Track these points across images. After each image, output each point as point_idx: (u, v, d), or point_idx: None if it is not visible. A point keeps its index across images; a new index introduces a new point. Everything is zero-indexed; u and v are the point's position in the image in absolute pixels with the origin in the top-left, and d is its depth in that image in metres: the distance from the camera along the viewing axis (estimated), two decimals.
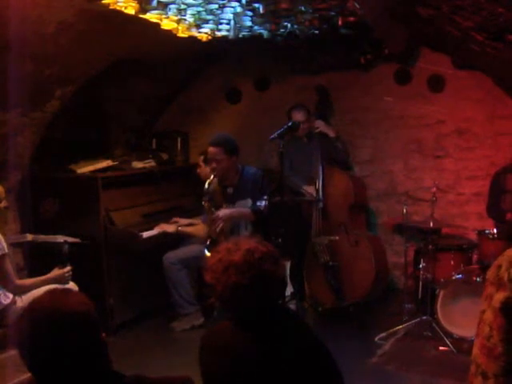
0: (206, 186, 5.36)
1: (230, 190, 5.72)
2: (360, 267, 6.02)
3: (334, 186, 6.24)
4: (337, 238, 6.08)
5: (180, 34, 5.61)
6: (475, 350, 1.86)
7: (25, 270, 5.80)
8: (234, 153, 5.57)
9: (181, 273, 5.91)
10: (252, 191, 5.65)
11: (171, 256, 5.96)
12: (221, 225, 5.38)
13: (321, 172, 6.20)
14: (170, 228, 6.09)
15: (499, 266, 1.85)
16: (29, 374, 2.00)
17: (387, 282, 6.59)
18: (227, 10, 5.17)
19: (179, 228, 6.04)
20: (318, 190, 6.16)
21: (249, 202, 5.66)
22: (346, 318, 5.91)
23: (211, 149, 5.54)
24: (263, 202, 5.64)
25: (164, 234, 6.08)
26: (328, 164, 6.32)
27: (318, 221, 6.17)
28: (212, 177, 5.40)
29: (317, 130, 6.33)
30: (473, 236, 5.90)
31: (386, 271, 6.51)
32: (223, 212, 5.47)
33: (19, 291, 4.46)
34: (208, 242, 5.36)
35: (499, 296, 1.80)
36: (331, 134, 6.36)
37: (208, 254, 5.30)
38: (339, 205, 6.20)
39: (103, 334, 2.04)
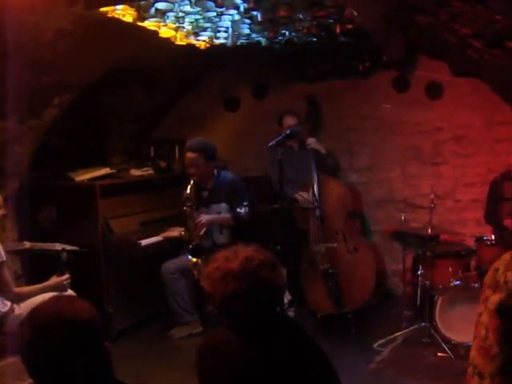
0: (188, 191, 5.40)
1: (204, 194, 5.81)
2: (360, 274, 6.00)
3: (330, 194, 6.23)
4: (335, 245, 6.07)
5: (178, 42, 5.64)
6: (473, 352, 1.89)
7: (23, 277, 5.79)
8: (212, 158, 5.63)
9: (179, 282, 5.90)
10: (227, 196, 5.72)
11: (169, 266, 5.94)
12: (203, 230, 5.42)
13: (316, 180, 6.20)
14: (173, 232, 6.09)
15: (496, 270, 1.88)
16: (28, 382, 1.99)
17: (385, 288, 6.59)
18: (225, 17, 5.20)
19: (182, 232, 6.03)
20: (314, 197, 6.15)
21: (223, 206, 5.75)
22: (344, 325, 5.90)
23: (190, 154, 5.59)
24: (243, 209, 5.70)
25: (162, 242, 6.08)
26: (323, 171, 6.32)
27: (316, 228, 6.15)
28: (192, 182, 5.43)
29: (309, 147, 6.35)
30: (471, 242, 5.89)
31: (384, 278, 6.51)
32: (206, 218, 5.53)
33: (17, 299, 4.44)
34: (190, 247, 5.38)
35: (495, 298, 1.83)
36: (322, 150, 6.39)
37: (192, 258, 5.33)
38: (336, 212, 6.19)
39: (106, 343, 2.04)
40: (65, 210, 5.86)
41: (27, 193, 5.89)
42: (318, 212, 6.14)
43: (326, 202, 6.20)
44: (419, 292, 5.70)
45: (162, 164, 7.15)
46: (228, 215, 5.74)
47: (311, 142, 6.38)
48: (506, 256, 1.89)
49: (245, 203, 5.77)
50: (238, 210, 5.74)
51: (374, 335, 5.64)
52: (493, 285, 1.86)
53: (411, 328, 5.54)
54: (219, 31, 5.60)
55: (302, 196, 6.20)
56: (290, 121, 6.39)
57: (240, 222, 5.73)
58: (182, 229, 6.03)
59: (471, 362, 1.88)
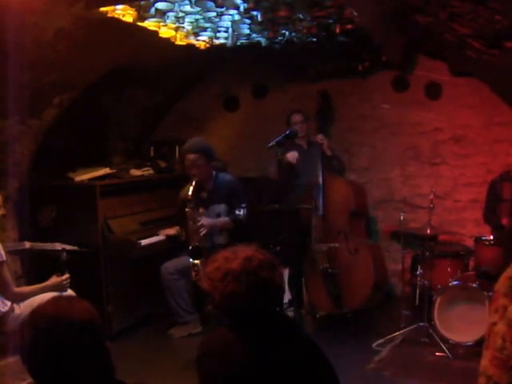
0: (190, 192, 5.36)
1: (204, 195, 5.78)
2: (359, 275, 5.99)
3: (334, 193, 6.21)
4: (336, 245, 6.05)
5: (178, 42, 5.64)
6: (485, 362, 1.84)
7: (23, 277, 5.79)
8: (211, 158, 5.63)
9: (179, 282, 5.88)
10: (227, 197, 5.72)
11: (169, 266, 5.92)
12: (204, 232, 5.41)
13: (321, 178, 6.19)
14: (171, 231, 6.07)
15: (510, 278, 1.84)
16: (28, 382, 2.00)
17: (386, 289, 6.58)
18: (225, 17, 5.20)
19: (178, 231, 6.01)
20: (317, 198, 6.15)
21: (222, 207, 5.73)
22: (343, 325, 5.91)
23: (191, 156, 5.57)
24: (242, 211, 5.70)
25: (162, 242, 6.07)
26: (328, 171, 6.31)
27: (318, 228, 6.15)
28: (194, 182, 5.41)
29: (319, 141, 6.32)
30: (470, 242, 5.89)
31: (385, 279, 6.49)
32: (207, 221, 5.50)
33: (17, 299, 4.44)
34: (190, 249, 5.36)
35: None
36: (328, 152, 6.36)
37: (194, 260, 5.30)
38: (339, 211, 6.16)
39: (106, 343, 2.04)
40: (65, 210, 5.86)
41: (27, 193, 5.89)
42: (320, 211, 6.14)
43: (330, 201, 6.18)
44: (418, 292, 5.71)
45: (162, 164, 7.15)
46: (227, 219, 5.73)
47: (321, 138, 6.35)
48: None
49: (243, 205, 5.76)
50: (237, 212, 5.73)
51: (372, 335, 5.65)
52: (509, 293, 1.83)
53: (410, 328, 5.53)
54: (219, 31, 5.60)
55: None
56: (297, 118, 6.41)
57: (239, 224, 5.74)
58: (178, 228, 6.03)
59: (483, 373, 1.84)
